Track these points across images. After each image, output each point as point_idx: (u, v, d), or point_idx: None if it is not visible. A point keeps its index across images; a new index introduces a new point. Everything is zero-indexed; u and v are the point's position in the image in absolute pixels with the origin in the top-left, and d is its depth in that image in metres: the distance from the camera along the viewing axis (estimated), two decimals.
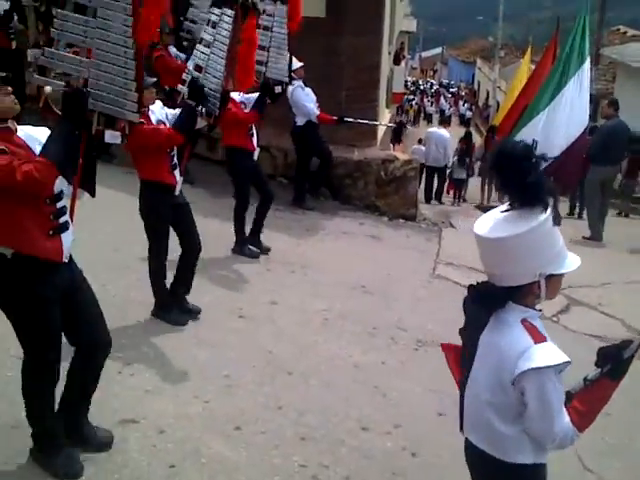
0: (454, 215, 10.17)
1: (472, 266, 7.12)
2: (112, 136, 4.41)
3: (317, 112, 7.57)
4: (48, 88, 3.25)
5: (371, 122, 8.98)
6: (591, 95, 18.96)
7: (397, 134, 11.84)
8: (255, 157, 6.30)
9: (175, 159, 4.71)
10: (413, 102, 35.92)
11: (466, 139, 14.93)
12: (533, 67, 14.72)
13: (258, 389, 4.15)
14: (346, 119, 7.87)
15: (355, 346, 4.91)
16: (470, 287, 2.16)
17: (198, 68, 5.15)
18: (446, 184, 14.48)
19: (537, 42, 28.42)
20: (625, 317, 5.91)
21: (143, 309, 4.94)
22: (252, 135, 6.21)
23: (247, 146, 6.18)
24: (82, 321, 3.13)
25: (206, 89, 4.43)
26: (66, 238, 2.97)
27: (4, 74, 2.81)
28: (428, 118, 36.53)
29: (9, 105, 2.76)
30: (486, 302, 2.10)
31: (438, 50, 59.68)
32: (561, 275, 2.07)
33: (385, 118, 12.09)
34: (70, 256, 3.05)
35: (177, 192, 4.75)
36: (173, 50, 7.65)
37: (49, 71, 3.29)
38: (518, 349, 2.00)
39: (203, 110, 4.50)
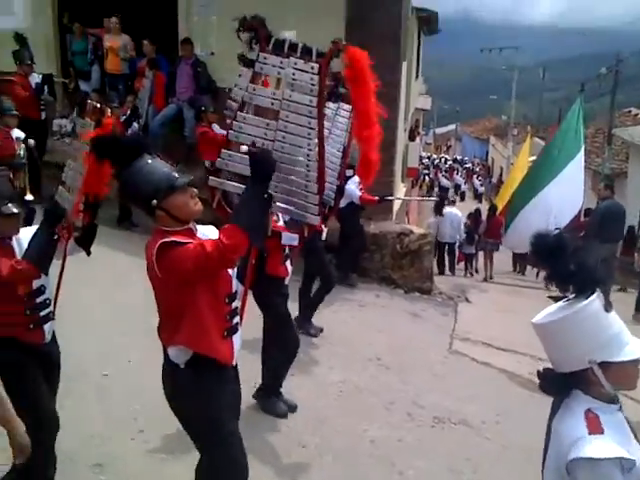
0: (469, 289, 10.13)
1: (489, 342, 7.07)
2: (290, 238, 4.45)
3: (359, 194, 7.62)
4: None
5: (412, 198, 9.00)
6: (606, 175, 19.44)
7: (439, 208, 12.14)
8: (324, 237, 6.15)
9: (287, 250, 4.61)
10: (426, 176, 36.33)
11: (475, 215, 15.20)
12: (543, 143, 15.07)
13: (272, 461, 4.06)
14: (386, 198, 7.90)
15: (371, 421, 4.82)
16: (538, 373, 2.18)
17: None
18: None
19: (550, 122, 29.00)
20: None
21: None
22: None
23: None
24: None
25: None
26: (236, 340, 2.91)
27: (192, 177, 2.79)
28: (443, 192, 36.83)
29: (196, 209, 2.75)
30: (546, 388, 2.16)
31: (452, 127, 60.77)
32: (626, 363, 2.00)
33: (401, 192, 12.24)
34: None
35: (287, 282, 4.71)
36: (216, 127, 7.85)
37: (223, 172, 3.27)
38: (572, 437, 1.98)
39: None
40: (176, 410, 2.92)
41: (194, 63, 9.32)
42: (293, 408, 4.79)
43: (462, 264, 14.97)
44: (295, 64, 3.09)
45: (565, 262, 1.98)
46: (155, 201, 2.65)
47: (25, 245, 3.15)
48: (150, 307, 6.54)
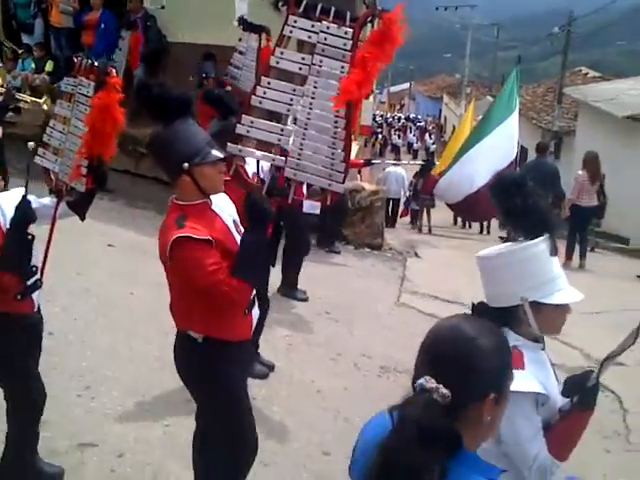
0: (419, 245, 10.29)
1: (436, 295, 7.23)
2: (312, 206, 4.13)
3: None
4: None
5: (397, 162, 9.08)
6: (555, 132, 19.77)
7: (425, 170, 12.25)
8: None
9: None
10: (379, 135, 36.36)
11: (421, 173, 15.63)
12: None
13: None
14: (373, 162, 7.83)
15: (318, 372, 4.92)
16: (472, 305, 2.20)
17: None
18: (401, 211, 16.20)
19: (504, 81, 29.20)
20: (584, 347, 6.02)
21: (106, 333, 4.91)
22: None
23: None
24: None
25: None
26: (255, 314, 2.86)
27: (227, 154, 2.74)
28: (395, 150, 37.01)
29: (220, 188, 2.69)
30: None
31: (406, 85, 60.64)
32: (555, 307, 2.07)
33: (354, 150, 12.30)
34: None
35: None
36: None
37: (244, 140, 3.13)
38: None
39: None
40: (187, 383, 2.87)
41: (143, 17, 9.04)
42: (271, 368, 4.79)
43: (407, 219, 16.04)
44: (327, 28, 3.00)
45: (521, 201, 2.03)
46: (187, 164, 2.56)
47: (6, 211, 2.84)
48: (97, 265, 6.47)
